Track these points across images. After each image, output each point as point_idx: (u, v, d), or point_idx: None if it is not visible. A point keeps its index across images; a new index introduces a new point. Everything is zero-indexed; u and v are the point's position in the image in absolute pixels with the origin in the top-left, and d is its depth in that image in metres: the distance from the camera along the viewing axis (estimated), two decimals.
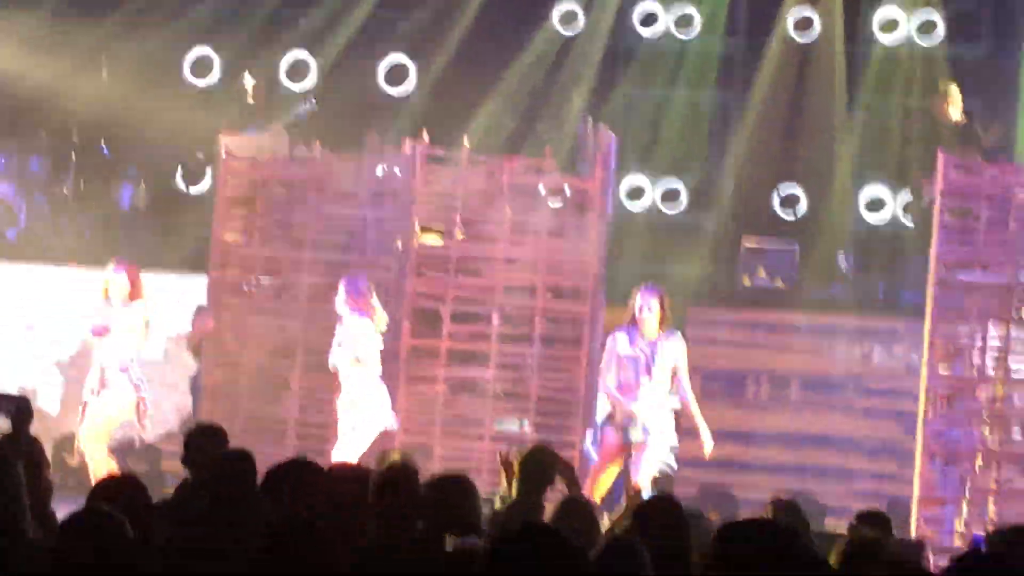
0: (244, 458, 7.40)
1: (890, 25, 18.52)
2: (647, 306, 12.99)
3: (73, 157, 18.72)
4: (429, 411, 14.99)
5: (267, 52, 20.16)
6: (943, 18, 18.48)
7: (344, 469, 7.98)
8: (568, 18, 19.28)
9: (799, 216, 18.64)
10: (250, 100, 18.90)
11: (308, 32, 20.25)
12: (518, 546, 4.44)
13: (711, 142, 19.15)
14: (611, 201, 15.04)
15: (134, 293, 13.68)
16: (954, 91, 16.80)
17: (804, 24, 18.86)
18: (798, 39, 18.90)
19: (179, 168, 19.20)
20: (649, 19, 19.21)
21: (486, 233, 15.12)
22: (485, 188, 15.21)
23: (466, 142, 15.42)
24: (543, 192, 15.28)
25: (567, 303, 14.95)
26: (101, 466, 13.22)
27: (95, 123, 18.88)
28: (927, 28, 18.48)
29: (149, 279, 15.19)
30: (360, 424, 13.33)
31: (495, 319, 15.04)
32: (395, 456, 8.87)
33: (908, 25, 18.54)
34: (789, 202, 18.71)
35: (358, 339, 13.31)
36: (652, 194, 18.83)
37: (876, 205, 18.51)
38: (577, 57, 19.32)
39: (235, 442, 8.70)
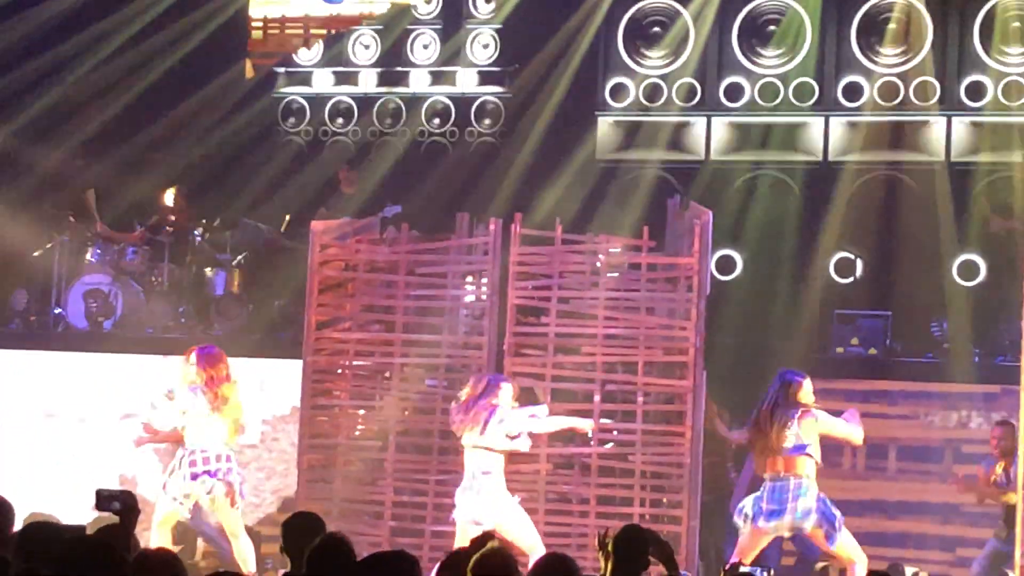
0: (340, 543, 7.42)
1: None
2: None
3: (167, 244, 18.87)
4: (531, 489, 14.95)
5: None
6: None
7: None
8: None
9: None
10: (342, 187, 19.05)
11: (395, 110, 20.45)
12: None
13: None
14: (708, 276, 15.02)
15: (217, 379, 13.72)
16: None
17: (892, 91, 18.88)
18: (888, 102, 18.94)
19: (273, 253, 19.31)
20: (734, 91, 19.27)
21: (584, 310, 15.15)
22: (581, 266, 15.25)
23: (558, 222, 15.47)
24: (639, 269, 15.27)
25: (671, 379, 14.89)
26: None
27: (185, 205, 19.05)
28: None
29: (243, 364, 15.33)
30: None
31: (596, 396, 15.04)
32: (493, 542, 8.76)
33: None
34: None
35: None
36: (740, 266, 18.82)
37: (969, 272, 18.42)
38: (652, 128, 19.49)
39: (332, 524, 8.70)
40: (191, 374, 13.74)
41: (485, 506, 13.17)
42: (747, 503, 13.22)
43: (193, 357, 13.80)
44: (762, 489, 13.13)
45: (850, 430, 13.46)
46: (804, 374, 13.38)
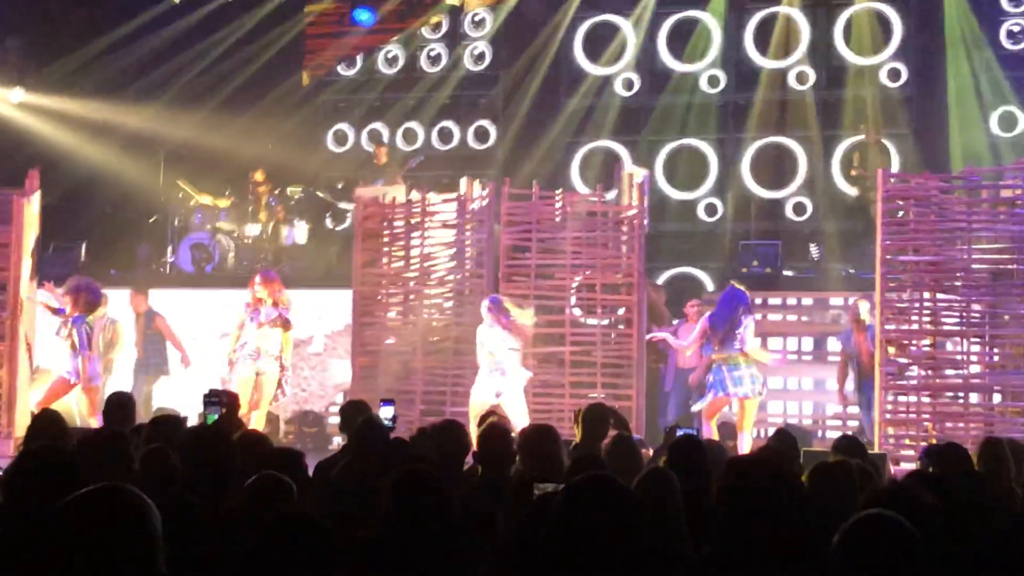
0: (377, 421, 7.57)
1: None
2: None
3: (250, 207, 18.95)
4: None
5: (386, 124, 20.39)
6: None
7: (447, 427, 7.89)
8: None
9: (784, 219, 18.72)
10: (376, 161, 19.11)
11: (414, 106, 20.48)
12: (578, 490, 4.20)
13: (716, 168, 19.22)
14: (647, 219, 15.12)
15: (276, 299, 13.66)
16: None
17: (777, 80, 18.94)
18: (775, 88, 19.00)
19: (328, 212, 19.40)
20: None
21: (556, 247, 15.26)
22: (553, 215, 15.36)
23: (535, 183, 15.59)
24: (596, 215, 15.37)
25: (621, 295, 15.01)
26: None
27: (266, 180, 19.12)
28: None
29: (308, 294, 15.45)
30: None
31: (567, 309, 15.17)
32: (492, 417, 8.86)
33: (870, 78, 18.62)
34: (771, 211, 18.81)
35: (495, 344, 13.34)
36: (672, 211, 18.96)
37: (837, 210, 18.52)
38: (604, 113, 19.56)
39: (375, 409, 8.78)
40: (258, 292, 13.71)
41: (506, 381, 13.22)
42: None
43: (258, 278, 13.78)
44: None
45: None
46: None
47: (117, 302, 16.03)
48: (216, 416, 8.13)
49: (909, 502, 4.62)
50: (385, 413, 8.18)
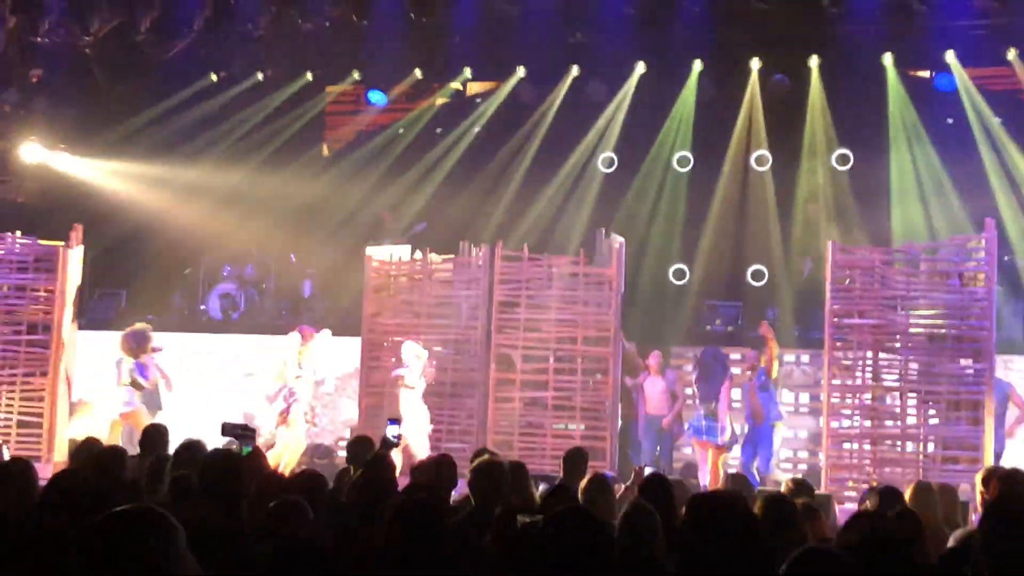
0: (384, 458, 7.55)
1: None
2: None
3: (271, 264, 18.96)
4: (509, 419, 15.07)
5: (392, 190, 20.44)
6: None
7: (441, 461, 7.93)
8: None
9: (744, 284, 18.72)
10: (385, 224, 19.15)
11: (419, 176, 20.53)
12: (559, 522, 4.25)
13: (685, 238, 19.22)
14: (623, 281, 15.16)
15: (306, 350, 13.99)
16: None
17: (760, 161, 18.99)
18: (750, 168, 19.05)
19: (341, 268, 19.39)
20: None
21: (543, 303, 15.28)
22: (541, 275, 15.39)
23: (525, 246, 15.62)
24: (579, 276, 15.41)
25: (598, 348, 15.01)
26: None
27: (282, 243, 19.15)
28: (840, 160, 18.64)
29: (320, 340, 15.43)
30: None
31: (551, 359, 15.17)
32: (485, 454, 8.85)
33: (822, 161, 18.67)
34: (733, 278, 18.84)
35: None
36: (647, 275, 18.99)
37: (791, 277, 18.56)
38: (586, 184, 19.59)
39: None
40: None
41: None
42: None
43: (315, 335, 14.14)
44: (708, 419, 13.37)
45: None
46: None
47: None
48: (251, 448, 8.03)
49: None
50: (392, 431, 8.15)
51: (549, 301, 15.17)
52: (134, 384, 13.85)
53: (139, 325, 14.59)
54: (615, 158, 19.55)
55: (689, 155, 19.23)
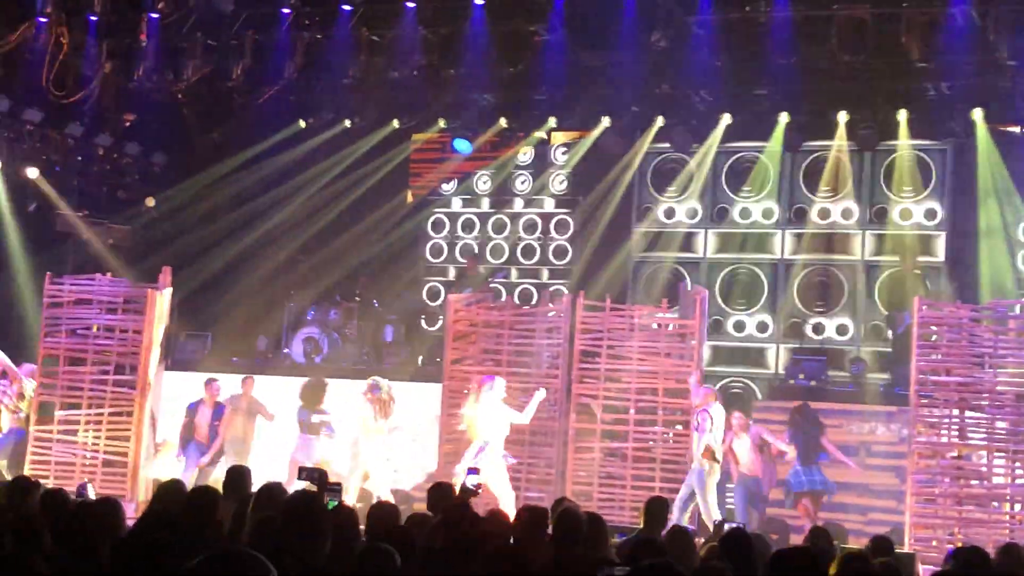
0: (463, 506, 7.53)
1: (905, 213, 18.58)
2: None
3: (356, 309, 19.11)
4: (589, 469, 15.06)
5: (477, 238, 20.54)
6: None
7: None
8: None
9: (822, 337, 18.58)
10: (469, 271, 19.27)
11: (503, 224, 20.60)
12: (644, 573, 4.33)
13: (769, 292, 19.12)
14: (706, 332, 15.13)
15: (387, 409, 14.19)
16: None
17: (826, 213, 18.90)
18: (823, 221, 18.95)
19: (422, 314, 19.53)
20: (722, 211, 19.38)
21: (624, 353, 15.28)
22: (622, 325, 15.39)
23: (607, 297, 15.66)
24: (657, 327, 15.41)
25: (679, 399, 14.94)
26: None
27: (367, 288, 19.30)
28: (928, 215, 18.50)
29: (404, 386, 15.52)
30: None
31: (632, 409, 15.15)
32: (565, 503, 8.84)
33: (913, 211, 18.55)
34: (817, 330, 18.68)
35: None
36: (727, 325, 18.89)
37: (876, 331, 18.39)
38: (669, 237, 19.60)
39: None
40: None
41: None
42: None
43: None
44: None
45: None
46: None
47: (231, 386, 16.24)
48: (336, 503, 7.94)
49: None
50: (471, 480, 8.22)
51: (630, 351, 15.16)
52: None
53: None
54: (698, 208, 19.53)
55: (774, 206, 19.16)
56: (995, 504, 13.63)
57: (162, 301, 15.85)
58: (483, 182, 20.98)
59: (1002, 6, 15.98)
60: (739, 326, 19.02)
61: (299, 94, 19.30)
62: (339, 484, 8.49)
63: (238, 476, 8.76)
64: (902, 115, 17.73)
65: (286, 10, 18.13)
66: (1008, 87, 16.71)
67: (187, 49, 18.48)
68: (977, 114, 17.45)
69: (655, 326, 15.44)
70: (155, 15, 18.17)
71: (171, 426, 16.36)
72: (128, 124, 19.67)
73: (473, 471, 8.46)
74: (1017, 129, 17.58)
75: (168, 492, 7.66)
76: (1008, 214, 17.94)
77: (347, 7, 17.98)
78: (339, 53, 18.22)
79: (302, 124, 19.88)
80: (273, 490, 7.60)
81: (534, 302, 18.87)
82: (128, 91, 18.99)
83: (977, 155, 17.80)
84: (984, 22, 16.12)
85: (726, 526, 9.11)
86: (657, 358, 15.09)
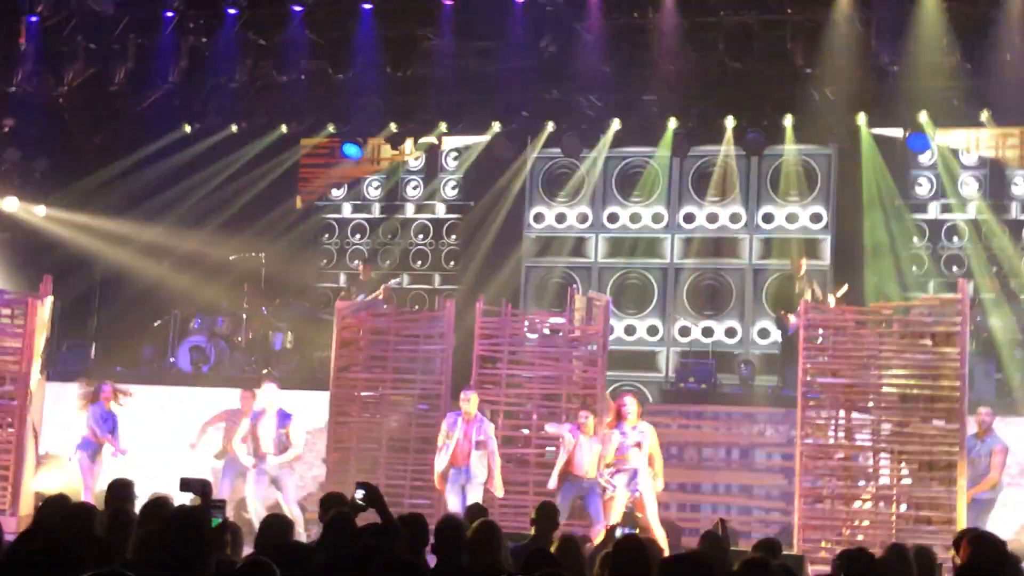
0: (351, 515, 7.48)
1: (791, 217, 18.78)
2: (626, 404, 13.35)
3: (244, 316, 18.87)
4: None
5: (367, 243, 20.40)
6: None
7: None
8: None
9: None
10: (360, 276, 19.14)
11: (393, 229, 20.50)
12: None
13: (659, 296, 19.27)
14: (608, 338, 15.23)
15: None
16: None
17: (714, 218, 19.10)
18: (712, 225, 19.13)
19: (311, 321, 19.33)
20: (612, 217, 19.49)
21: (524, 359, 15.31)
22: (522, 331, 15.42)
23: (505, 301, 15.69)
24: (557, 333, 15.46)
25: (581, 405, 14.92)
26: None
27: (256, 296, 19.07)
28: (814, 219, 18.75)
29: (293, 394, 15.35)
30: None
31: (534, 415, 15.17)
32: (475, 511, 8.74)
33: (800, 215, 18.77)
34: (706, 333, 18.89)
35: None
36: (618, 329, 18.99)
37: (764, 334, 18.64)
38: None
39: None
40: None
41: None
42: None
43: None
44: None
45: None
46: None
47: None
48: (220, 520, 7.77)
49: None
50: (360, 494, 8.06)
51: (530, 357, 15.18)
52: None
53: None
54: (588, 213, 19.62)
55: (664, 211, 19.32)
56: (881, 504, 13.83)
57: (43, 310, 15.52)
58: (374, 187, 20.89)
59: (883, 12, 16.31)
60: (630, 330, 19.15)
61: (184, 98, 19.01)
62: (223, 501, 8.33)
63: (119, 488, 8.58)
64: (788, 120, 18.00)
65: (170, 13, 17.86)
66: (890, 92, 17.03)
67: (68, 52, 18.13)
68: (861, 119, 17.77)
69: (552, 332, 15.46)
70: (35, 18, 17.80)
71: (53, 439, 16.01)
72: (7, 129, 19.21)
73: (361, 486, 8.32)
74: (900, 133, 17.92)
75: (52, 507, 7.49)
76: (891, 217, 18.28)
77: (232, 10, 17.77)
78: (224, 57, 18.02)
79: (187, 129, 19.60)
80: (160, 503, 7.48)
81: (422, 308, 18.83)
82: (7, 95, 18.58)
83: (861, 159, 18.12)
84: (867, 28, 16.44)
85: (618, 531, 9.11)
86: (559, 363, 15.11)
